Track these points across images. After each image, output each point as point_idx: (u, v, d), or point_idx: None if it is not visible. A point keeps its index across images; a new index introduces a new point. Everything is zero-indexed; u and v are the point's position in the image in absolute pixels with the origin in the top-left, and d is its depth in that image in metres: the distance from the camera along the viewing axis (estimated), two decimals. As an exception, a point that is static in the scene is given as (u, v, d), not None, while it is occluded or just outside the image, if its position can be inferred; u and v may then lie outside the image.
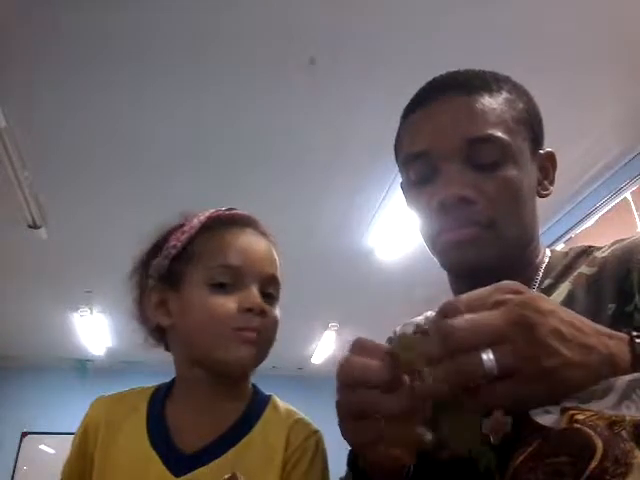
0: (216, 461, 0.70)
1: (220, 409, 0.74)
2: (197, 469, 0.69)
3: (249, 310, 0.71)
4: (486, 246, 0.65)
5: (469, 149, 0.65)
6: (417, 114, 0.72)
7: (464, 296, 0.45)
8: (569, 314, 0.45)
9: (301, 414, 0.78)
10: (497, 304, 0.43)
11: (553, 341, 0.41)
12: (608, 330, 0.45)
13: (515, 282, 0.45)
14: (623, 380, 0.39)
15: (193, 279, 0.75)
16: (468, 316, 0.42)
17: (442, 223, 0.67)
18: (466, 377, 0.41)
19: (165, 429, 0.74)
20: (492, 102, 0.67)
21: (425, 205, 0.68)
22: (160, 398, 0.79)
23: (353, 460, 0.60)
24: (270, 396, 0.80)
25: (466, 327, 0.41)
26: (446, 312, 0.44)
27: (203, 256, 0.75)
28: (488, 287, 0.45)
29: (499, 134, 0.65)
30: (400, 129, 0.76)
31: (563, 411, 0.39)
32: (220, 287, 0.73)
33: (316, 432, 0.75)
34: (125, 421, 0.76)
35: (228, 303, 0.72)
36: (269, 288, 0.76)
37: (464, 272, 0.70)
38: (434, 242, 0.70)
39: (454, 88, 0.69)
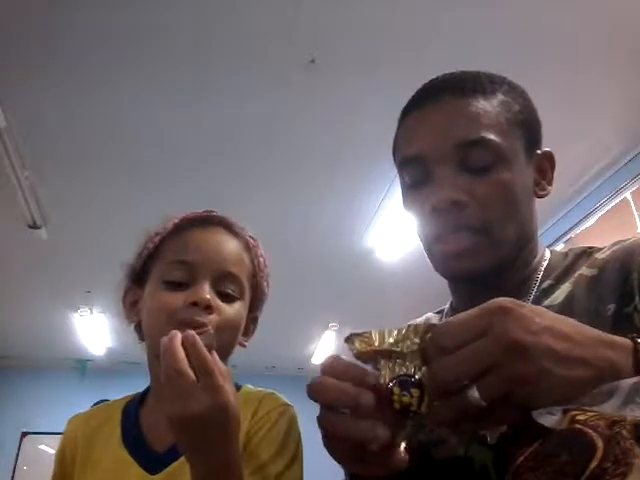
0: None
1: None
2: (171, 465, 0.70)
3: (195, 304, 0.70)
4: (482, 254, 0.65)
5: (462, 152, 0.66)
6: (412, 117, 0.72)
7: (450, 322, 0.43)
8: (565, 325, 0.43)
9: (268, 390, 0.78)
10: (485, 330, 0.41)
11: (547, 362, 0.40)
12: (609, 337, 0.44)
13: (504, 299, 0.43)
14: (627, 383, 0.39)
15: (154, 277, 0.76)
16: (454, 355, 0.41)
17: (435, 228, 0.67)
18: (457, 413, 0.41)
19: (139, 432, 0.75)
20: (486, 105, 0.67)
21: (419, 209, 0.69)
22: (134, 405, 0.80)
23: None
24: (242, 386, 0.79)
25: (452, 367, 0.41)
26: (436, 341, 0.43)
27: (165, 254, 0.76)
28: (475, 310, 0.43)
29: (492, 137, 0.65)
30: (397, 132, 0.76)
31: (565, 412, 0.39)
32: (174, 284, 0.73)
33: (284, 405, 0.76)
34: (100, 431, 0.77)
35: (175, 298, 0.71)
36: (225, 286, 0.75)
37: (462, 280, 0.70)
38: (430, 249, 0.70)
39: (448, 91, 0.69)
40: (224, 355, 0.73)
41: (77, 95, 2.28)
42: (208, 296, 0.71)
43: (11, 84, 2.17)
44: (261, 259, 0.82)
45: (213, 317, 0.71)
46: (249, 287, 0.79)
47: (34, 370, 5.34)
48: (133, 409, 0.79)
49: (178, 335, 0.58)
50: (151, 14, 1.94)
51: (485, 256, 0.65)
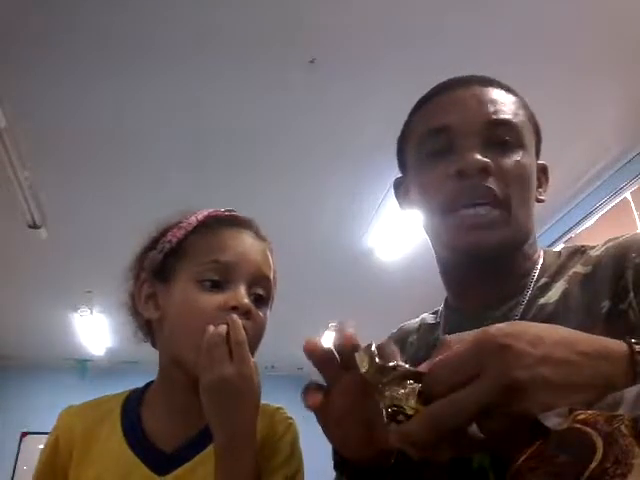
0: (198, 456, 0.71)
1: (199, 409, 0.69)
2: (181, 466, 0.70)
3: (234, 308, 0.69)
4: (499, 228, 0.66)
5: (489, 130, 0.68)
6: (439, 98, 0.74)
7: (444, 362, 0.42)
8: (561, 348, 0.42)
9: (276, 405, 0.79)
10: (480, 369, 0.40)
11: (545, 395, 0.39)
12: (605, 346, 0.43)
13: (497, 329, 0.41)
14: (631, 392, 0.39)
15: (183, 275, 0.73)
16: (452, 400, 0.40)
17: (459, 190, 0.67)
18: (456, 450, 0.41)
19: (141, 431, 0.74)
20: (510, 97, 0.73)
21: (441, 174, 0.68)
22: (134, 402, 0.79)
23: (340, 459, 0.61)
24: None
25: (450, 412, 0.39)
26: (430, 384, 0.42)
27: (195, 252, 0.74)
28: (468, 347, 0.41)
29: (516, 121, 0.70)
30: (414, 115, 0.77)
31: (570, 412, 0.39)
32: (208, 285, 0.71)
33: (289, 419, 0.78)
34: (100, 426, 0.76)
35: (211, 300, 0.70)
36: (259, 289, 0.74)
37: (472, 254, 0.68)
38: (443, 219, 0.69)
39: (476, 81, 0.73)
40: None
41: (77, 95, 2.28)
42: (247, 301, 0.70)
43: (11, 84, 2.17)
44: (274, 263, 0.82)
45: (249, 323, 0.70)
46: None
47: (34, 370, 5.34)
48: (133, 407, 0.78)
49: (224, 325, 0.66)
50: (150, 14, 1.94)
51: (501, 231, 0.66)
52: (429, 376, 0.41)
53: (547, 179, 0.77)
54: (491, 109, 0.69)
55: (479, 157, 0.66)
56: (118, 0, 1.89)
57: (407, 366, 0.43)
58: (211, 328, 0.66)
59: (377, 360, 0.43)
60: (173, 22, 1.98)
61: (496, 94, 0.71)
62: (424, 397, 0.41)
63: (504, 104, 0.70)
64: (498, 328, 0.42)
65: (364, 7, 1.93)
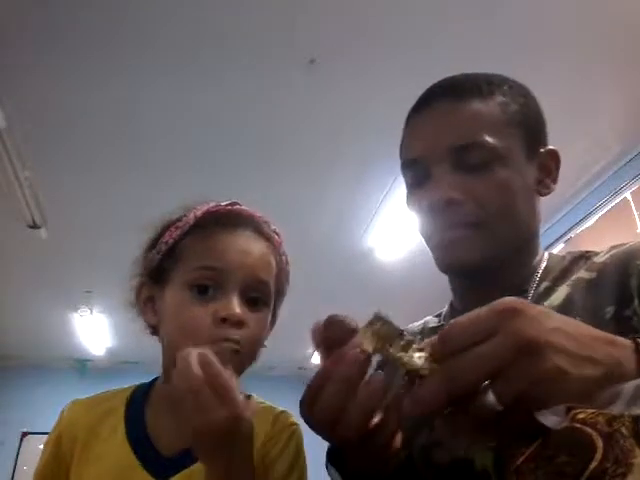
0: (198, 464, 0.68)
1: None
2: (179, 472, 0.69)
3: (224, 320, 0.66)
4: (478, 245, 0.66)
5: (456, 154, 0.67)
6: (413, 120, 0.74)
7: (460, 322, 0.42)
8: (571, 326, 0.43)
9: (281, 408, 0.77)
10: (496, 329, 0.40)
11: (560, 360, 0.39)
12: (611, 336, 0.44)
13: (512, 298, 0.42)
14: (630, 385, 0.39)
15: (176, 280, 0.71)
16: (467, 355, 0.40)
17: (433, 225, 0.69)
18: (474, 421, 0.41)
19: (145, 433, 0.72)
20: (481, 107, 0.68)
21: (418, 207, 0.71)
22: (138, 400, 0.77)
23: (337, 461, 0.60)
24: (249, 396, 0.78)
25: (467, 367, 0.39)
26: (444, 341, 0.42)
27: (188, 256, 0.72)
28: (484, 309, 0.41)
29: (486, 138, 0.66)
30: (403, 133, 0.77)
31: (568, 411, 0.39)
32: (200, 291, 0.69)
33: (295, 424, 0.75)
34: (103, 423, 0.74)
35: (203, 313, 0.67)
36: (254, 292, 0.71)
37: (457, 271, 0.71)
38: (430, 242, 0.72)
39: (445, 95, 0.70)
40: (248, 363, 0.71)
41: (77, 95, 2.27)
42: (239, 310, 0.67)
43: (11, 84, 2.17)
44: (284, 257, 0.79)
45: (243, 332, 0.67)
46: (274, 289, 0.75)
47: (34, 370, 5.34)
48: (138, 405, 0.76)
49: (193, 353, 0.56)
50: (151, 15, 1.94)
51: (480, 248, 0.66)
52: (444, 335, 0.41)
53: (557, 164, 0.73)
54: (453, 134, 0.67)
55: (446, 190, 0.66)
56: (119, 0, 1.90)
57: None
58: (180, 360, 0.57)
59: (387, 323, 0.45)
60: (174, 22, 1.98)
61: (464, 109, 0.68)
62: (437, 358, 0.41)
63: (469, 120, 0.67)
64: (513, 298, 0.42)
65: (364, 8, 1.93)
